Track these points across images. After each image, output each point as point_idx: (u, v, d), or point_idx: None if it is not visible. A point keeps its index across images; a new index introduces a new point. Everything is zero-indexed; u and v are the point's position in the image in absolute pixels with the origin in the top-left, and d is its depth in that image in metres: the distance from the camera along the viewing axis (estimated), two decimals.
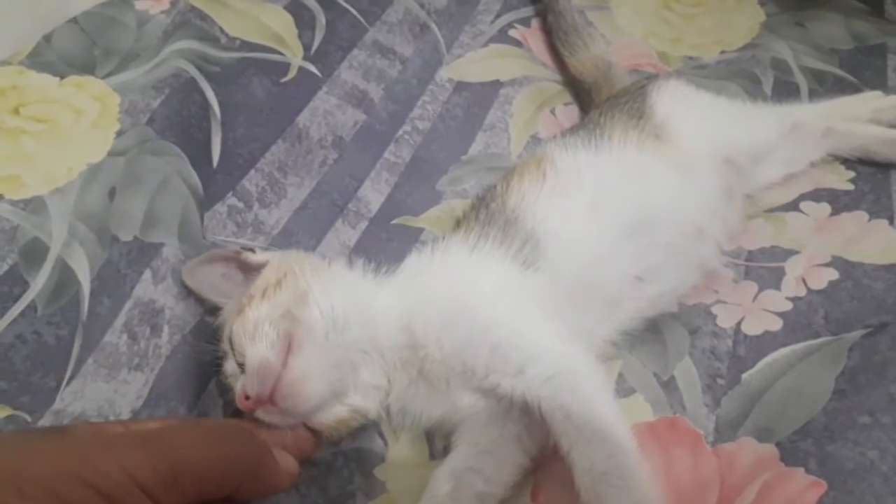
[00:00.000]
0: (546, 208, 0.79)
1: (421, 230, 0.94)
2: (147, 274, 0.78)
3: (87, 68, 0.95)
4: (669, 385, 0.76)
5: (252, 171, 0.94)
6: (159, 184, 0.84)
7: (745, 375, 0.75)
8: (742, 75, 1.14)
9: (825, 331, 0.77)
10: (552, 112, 1.11)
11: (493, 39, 1.20)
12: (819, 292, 0.81)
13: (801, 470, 0.65)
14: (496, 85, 1.13)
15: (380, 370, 0.72)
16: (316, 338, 0.68)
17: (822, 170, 0.95)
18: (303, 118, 1.00)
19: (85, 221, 0.78)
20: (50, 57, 0.96)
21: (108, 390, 0.70)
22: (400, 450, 0.75)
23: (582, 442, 0.63)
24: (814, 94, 1.09)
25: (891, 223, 0.86)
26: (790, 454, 0.66)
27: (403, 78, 1.11)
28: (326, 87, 1.04)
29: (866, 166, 0.94)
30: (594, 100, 1.07)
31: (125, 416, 0.70)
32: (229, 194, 0.91)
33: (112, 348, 0.72)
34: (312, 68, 1.05)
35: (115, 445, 0.49)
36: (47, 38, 0.98)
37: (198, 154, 0.89)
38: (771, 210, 0.92)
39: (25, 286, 0.73)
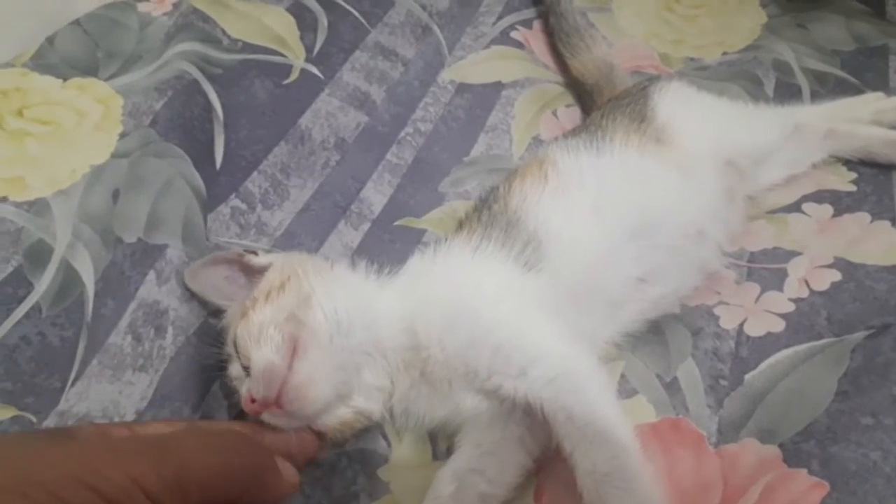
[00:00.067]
0: (548, 210, 0.79)
1: (423, 231, 0.94)
2: (151, 275, 0.78)
3: (90, 70, 0.95)
4: (672, 386, 0.76)
5: (255, 173, 0.94)
6: (162, 186, 0.84)
7: (747, 376, 0.75)
8: (744, 77, 1.14)
9: (828, 332, 0.77)
10: (554, 114, 1.11)
11: (494, 41, 1.20)
12: (821, 293, 0.81)
13: (804, 471, 0.65)
14: (498, 86, 1.13)
15: (383, 372, 0.72)
16: (320, 341, 0.68)
17: (823, 171, 0.95)
18: (305, 120, 1.00)
19: (89, 223, 0.78)
20: (53, 59, 0.96)
21: (112, 391, 0.70)
22: (403, 451, 0.75)
23: (584, 443, 0.63)
24: (815, 96, 1.09)
25: (893, 224, 0.86)
26: (793, 455, 0.67)
27: (405, 80, 1.12)
28: (328, 89, 1.05)
29: (868, 167, 0.94)
30: (596, 101, 1.07)
31: (129, 417, 0.70)
32: (232, 196, 0.91)
33: (116, 349, 0.73)
34: (314, 70, 1.05)
35: (121, 451, 0.50)
36: (50, 41, 0.98)
37: (201, 156, 0.90)
38: (773, 211, 0.92)
39: (30, 288, 0.73)
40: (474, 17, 1.24)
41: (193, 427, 0.63)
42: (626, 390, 0.76)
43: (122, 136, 0.87)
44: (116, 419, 0.69)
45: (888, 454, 0.63)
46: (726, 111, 0.96)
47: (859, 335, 0.74)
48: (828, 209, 0.90)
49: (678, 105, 0.91)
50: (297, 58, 1.05)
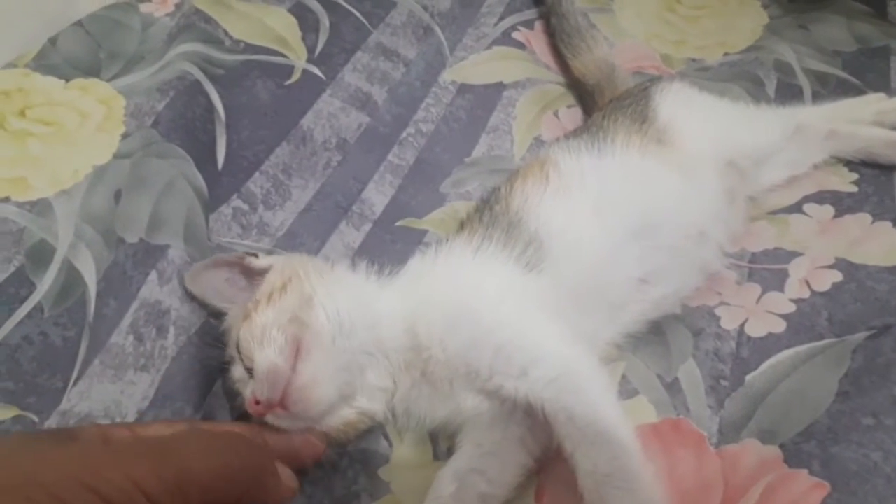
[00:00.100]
0: (549, 210, 0.79)
1: (425, 232, 0.94)
2: (153, 275, 0.78)
3: (93, 71, 0.96)
4: (673, 387, 0.76)
5: (257, 174, 0.94)
6: (164, 186, 0.84)
7: (748, 377, 0.75)
8: (745, 77, 1.14)
9: (829, 333, 0.77)
10: (555, 114, 1.11)
11: (496, 42, 1.20)
12: (822, 294, 0.81)
13: (805, 472, 0.65)
14: (499, 87, 1.13)
15: (385, 372, 0.72)
16: (323, 342, 0.68)
17: (825, 172, 0.95)
18: (307, 120, 1.01)
19: (91, 223, 0.78)
20: (55, 59, 0.96)
21: (114, 391, 0.70)
22: (404, 451, 0.75)
23: (585, 444, 0.63)
24: (817, 97, 1.09)
25: (894, 225, 0.86)
26: (794, 456, 0.67)
27: (407, 80, 1.12)
28: (330, 90, 1.05)
29: (869, 168, 0.94)
30: (597, 102, 1.07)
31: (131, 416, 0.70)
32: (234, 196, 0.91)
33: (118, 349, 0.73)
34: (316, 71, 1.05)
35: (122, 453, 0.50)
36: (53, 41, 0.98)
37: (203, 156, 0.90)
38: (774, 212, 0.92)
39: (32, 288, 0.73)
40: (476, 18, 1.24)
41: (194, 429, 0.63)
42: (627, 391, 0.76)
43: (125, 136, 0.87)
44: (118, 419, 0.69)
45: (889, 455, 0.63)
46: (728, 112, 0.96)
47: (860, 336, 0.74)
48: (829, 210, 0.90)
49: (679, 106, 0.91)
50: (298, 58, 1.05)
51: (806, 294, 0.81)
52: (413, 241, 0.93)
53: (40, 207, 0.79)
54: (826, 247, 0.86)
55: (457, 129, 1.08)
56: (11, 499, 0.43)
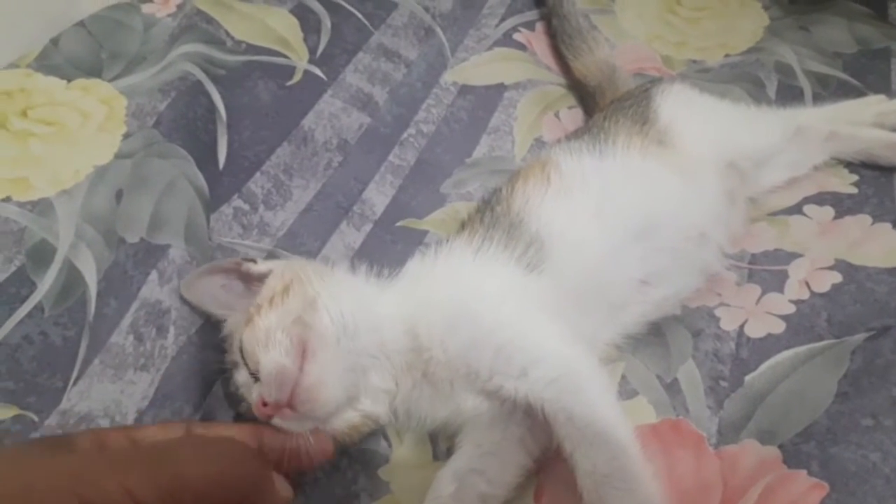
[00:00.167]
0: (550, 211, 0.79)
1: (425, 232, 0.94)
2: (153, 275, 0.78)
3: (94, 71, 0.96)
4: (672, 387, 0.76)
5: (258, 174, 0.94)
6: (166, 186, 0.84)
7: (747, 378, 0.75)
8: (746, 79, 1.14)
9: (828, 334, 0.77)
10: (556, 115, 1.12)
11: (497, 43, 1.20)
12: (822, 295, 0.81)
13: (804, 472, 0.65)
14: (500, 88, 1.13)
15: (388, 374, 0.72)
16: (328, 343, 0.68)
17: (825, 173, 0.95)
18: (308, 121, 1.01)
19: (92, 223, 0.79)
20: (57, 60, 0.96)
21: (114, 390, 0.71)
22: (404, 451, 0.75)
23: (585, 444, 0.64)
24: (818, 98, 1.09)
25: (894, 226, 0.86)
26: (793, 456, 0.67)
27: (408, 81, 1.12)
28: (331, 91, 1.05)
29: (870, 170, 0.94)
30: (598, 103, 1.07)
31: (131, 416, 0.70)
32: (235, 196, 0.91)
33: (118, 349, 0.73)
34: (318, 71, 1.05)
35: (117, 461, 0.50)
36: (54, 42, 0.98)
37: (204, 156, 0.90)
38: (774, 213, 0.92)
39: (33, 287, 0.73)
40: (477, 19, 1.25)
41: (191, 434, 0.63)
42: (626, 391, 0.76)
43: (126, 136, 0.87)
44: (118, 418, 0.69)
45: (888, 455, 0.63)
46: (728, 113, 0.96)
47: (859, 337, 0.75)
48: (829, 211, 0.90)
49: (680, 107, 0.92)
50: (300, 59, 1.05)
51: (805, 295, 0.81)
52: (413, 242, 0.93)
53: (41, 207, 0.79)
54: (826, 248, 0.86)
55: (458, 129, 1.08)
56: None
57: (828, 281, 0.82)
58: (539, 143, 1.07)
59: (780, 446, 0.68)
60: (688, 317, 0.82)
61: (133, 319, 0.75)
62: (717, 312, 0.82)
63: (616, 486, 0.62)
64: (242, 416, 0.71)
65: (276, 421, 0.65)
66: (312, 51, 1.07)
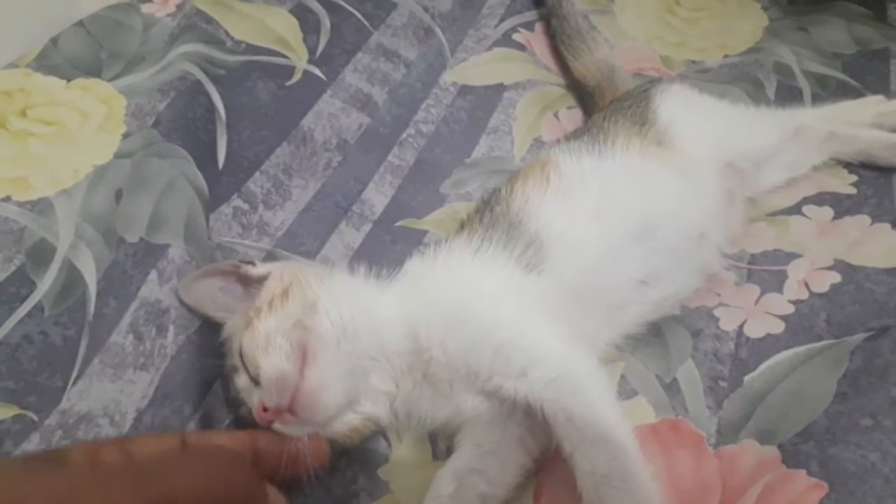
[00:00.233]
0: (550, 212, 0.80)
1: (424, 232, 0.94)
2: (153, 275, 0.78)
3: (94, 71, 0.96)
4: (672, 387, 0.76)
5: (257, 174, 0.94)
6: (165, 186, 0.84)
7: (747, 378, 0.75)
8: (745, 79, 1.14)
9: (827, 334, 0.77)
10: (555, 115, 1.12)
11: (497, 43, 1.20)
12: (821, 295, 0.81)
13: (803, 472, 0.65)
14: (500, 88, 1.13)
15: (388, 376, 0.72)
16: (328, 346, 0.68)
17: (824, 174, 0.95)
18: (307, 121, 1.01)
19: (91, 223, 0.79)
20: (57, 60, 0.96)
21: (113, 390, 0.71)
22: (403, 451, 0.75)
23: (584, 444, 0.64)
24: (817, 99, 1.09)
25: (893, 227, 0.86)
26: (792, 456, 0.67)
27: (408, 81, 1.12)
28: (331, 91, 1.05)
29: (869, 170, 0.94)
30: (597, 103, 1.07)
31: (130, 415, 0.70)
32: (234, 196, 0.91)
33: (118, 348, 0.73)
34: (317, 72, 1.05)
35: (108, 477, 0.50)
36: (54, 41, 0.98)
37: (203, 156, 0.90)
38: (774, 213, 0.93)
39: (32, 287, 0.73)
40: (476, 20, 1.25)
41: (184, 445, 0.62)
42: (625, 391, 0.76)
43: (126, 136, 0.88)
44: (117, 417, 0.69)
45: (887, 455, 0.63)
46: (727, 114, 0.96)
47: (858, 337, 0.75)
48: (828, 211, 0.90)
49: (679, 108, 0.92)
50: (299, 59, 1.05)
51: (805, 295, 0.82)
52: (413, 242, 0.93)
53: (41, 207, 0.79)
54: (825, 248, 0.86)
55: (457, 130, 1.08)
56: None
57: (827, 281, 0.82)
58: (538, 144, 1.07)
59: (780, 446, 0.68)
60: (687, 317, 0.82)
61: (133, 319, 0.75)
62: (717, 312, 0.82)
63: (615, 486, 0.62)
64: (243, 419, 0.71)
65: (277, 426, 0.65)
66: (312, 51, 1.07)
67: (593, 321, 0.77)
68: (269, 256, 0.88)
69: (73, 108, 0.90)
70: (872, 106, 0.99)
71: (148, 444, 0.60)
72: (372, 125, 1.05)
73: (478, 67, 1.17)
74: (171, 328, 0.76)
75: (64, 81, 0.93)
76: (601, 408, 0.66)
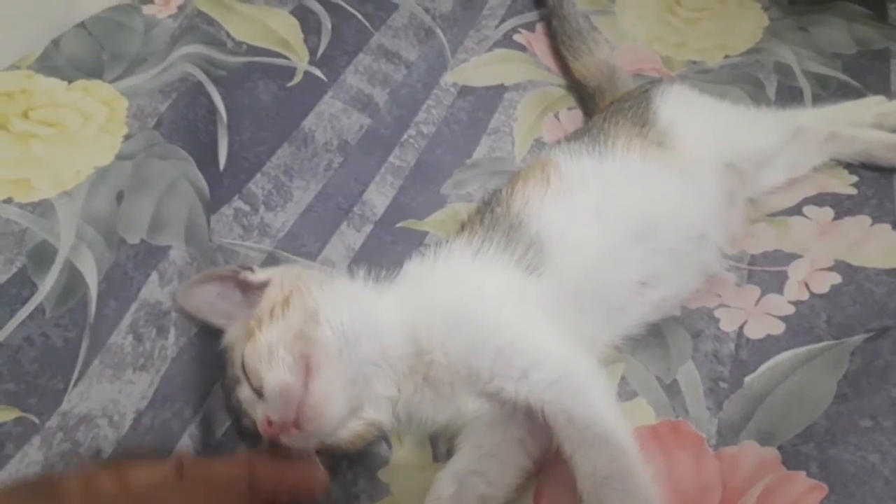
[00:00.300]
0: (550, 213, 0.79)
1: (425, 233, 0.94)
2: (154, 276, 0.78)
3: (95, 73, 0.96)
4: (672, 388, 0.76)
5: (258, 175, 0.94)
6: (166, 187, 0.84)
7: (747, 379, 0.75)
8: (745, 80, 1.14)
9: (827, 335, 0.77)
10: (556, 116, 1.12)
11: (497, 44, 1.20)
12: (821, 296, 0.81)
13: (803, 473, 0.65)
14: (500, 89, 1.13)
15: (390, 380, 0.72)
16: (331, 356, 0.67)
17: (825, 174, 0.95)
18: (308, 122, 1.01)
19: (93, 224, 0.79)
20: (58, 61, 0.97)
21: (112, 390, 0.70)
22: (404, 453, 0.75)
23: (584, 446, 0.64)
24: (817, 99, 1.09)
25: (893, 227, 0.86)
26: (792, 458, 0.67)
27: (408, 82, 1.12)
28: (332, 92, 1.05)
29: (869, 171, 0.94)
30: (598, 104, 1.07)
31: (129, 416, 0.70)
32: (235, 197, 0.91)
33: (117, 349, 0.73)
34: (318, 73, 1.05)
35: None
36: (55, 43, 0.99)
37: (204, 158, 0.90)
38: (774, 214, 0.92)
39: (34, 288, 0.73)
40: (477, 21, 1.25)
41: (180, 474, 0.61)
42: (626, 392, 0.76)
43: (127, 137, 0.88)
44: (116, 418, 0.69)
45: (887, 456, 0.63)
46: (728, 114, 0.96)
47: (859, 338, 0.75)
48: (828, 212, 0.90)
49: (680, 108, 0.92)
50: (300, 60, 1.05)
51: (805, 296, 0.82)
52: (414, 243, 0.93)
53: (42, 208, 0.79)
54: (825, 249, 0.86)
55: (458, 130, 1.08)
56: None
57: (827, 282, 0.82)
58: (539, 145, 1.07)
59: (780, 447, 0.68)
60: (687, 318, 0.82)
61: (133, 320, 0.75)
62: (717, 313, 0.82)
63: (616, 487, 0.62)
64: (246, 428, 0.70)
65: (283, 439, 0.65)
66: (313, 52, 1.07)
67: (593, 322, 0.77)
68: (270, 258, 0.88)
69: (74, 110, 0.90)
70: (873, 106, 0.99)
71: (143, 472, 0.59)
72: (373, 126, 1.05)
73: (478, 68, 1.17)
74: (173, 330, 0.76)
75: (65, 83, 0.94)
76: (602, 409, 0.66)
